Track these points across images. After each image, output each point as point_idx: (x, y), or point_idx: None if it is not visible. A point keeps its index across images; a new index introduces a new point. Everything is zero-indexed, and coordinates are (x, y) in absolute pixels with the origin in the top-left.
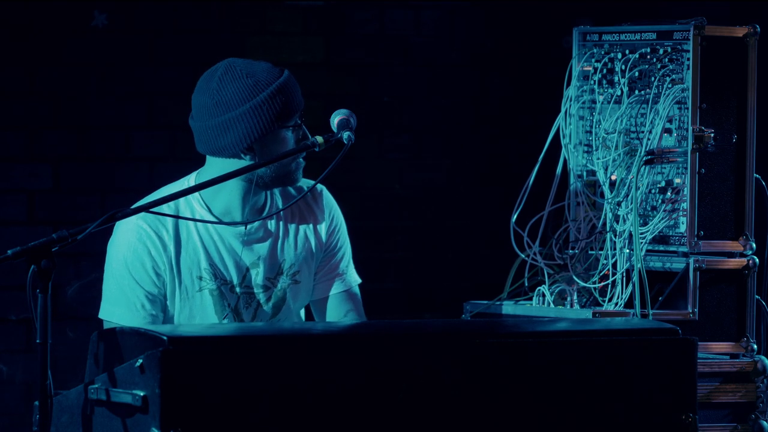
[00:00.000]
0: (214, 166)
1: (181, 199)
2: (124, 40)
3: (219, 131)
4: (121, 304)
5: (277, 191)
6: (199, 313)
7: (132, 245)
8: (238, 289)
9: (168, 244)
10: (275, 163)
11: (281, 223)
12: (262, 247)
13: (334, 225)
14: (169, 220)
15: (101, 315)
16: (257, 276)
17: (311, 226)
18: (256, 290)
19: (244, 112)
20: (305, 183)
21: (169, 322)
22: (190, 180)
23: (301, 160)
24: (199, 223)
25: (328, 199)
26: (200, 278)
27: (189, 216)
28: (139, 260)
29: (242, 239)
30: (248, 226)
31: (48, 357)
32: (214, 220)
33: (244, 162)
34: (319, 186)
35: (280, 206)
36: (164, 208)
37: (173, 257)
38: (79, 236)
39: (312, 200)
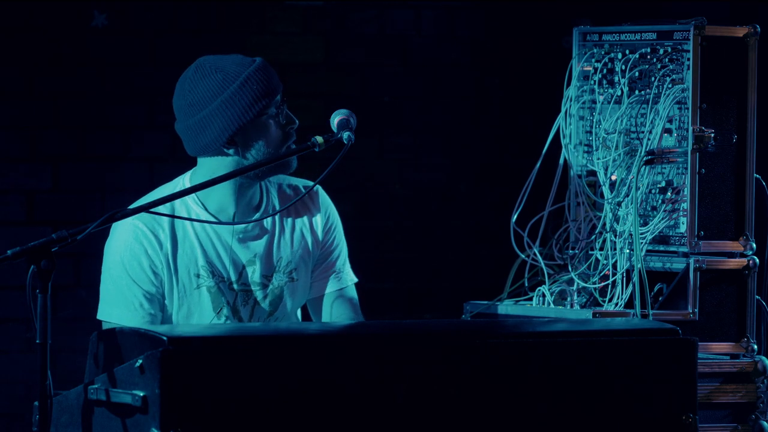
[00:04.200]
0: (205, 164)
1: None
2: (124, 40)
3: (197, 130)
4: (119, 305)
5: (273, 189)
6: (197, 311)
7: (129, 245)
8: (235, 287)
9: (164, 242)
10: (267, 153)
11: (277, 221)
12: (258, 245)
13: (330, 223)
14: (166, 219)
15: (99, 316)
16: (254, 273)
17: (307, 224)
18: (253, 287)
19: (216, 108)
20: (302, 183)
21: (167, 321)
22: (185, 179)
23: (292, 145)
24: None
25: (324, 198)
26: (198, 276)
27: (185, 214)
28: (136, 259)
29: (238, 237)
30: (243, 224)
31: (48, 357)
32: (209, 217)
33: (228, 158)
34: (315, 186)
35: (276, 203)
36: (161, 208)
37: (170, 255)
38: (78, 236)
39: (308, 199)
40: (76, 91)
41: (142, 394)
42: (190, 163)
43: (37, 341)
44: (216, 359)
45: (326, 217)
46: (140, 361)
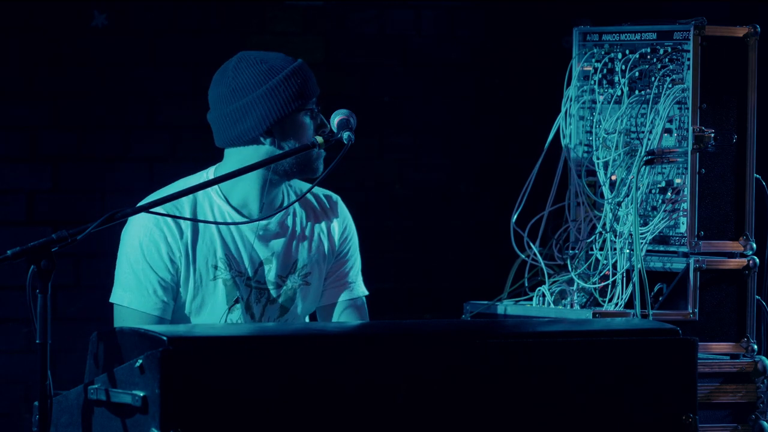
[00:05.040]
0: (233, 158)
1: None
2: (124, 40)
3: (237, 116)
4: (133, 289)
5: (293, 192)
6: (210, 302)
7: (149, 230)
8: (252, 283)
9: (185, 231)
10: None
11: (298, 223)
12: (277, 244)
13: (347, 233)
14: (187, 208)
15: (112, 299)
16: (269, 272)
17: (325, 230)
18: (268, 286)
19: (260, 95)
20: (321, 191)
21: (179, 311)
22: (209, 173)
23: (322, 150)
24: (216, 212)
25: (343, 209)
26: (215, 267)
27: (207, 206)
28: (154, 245)
29: (258, 234)
30: (265, 222)
31: (48, 357)
32: (230, 209)
33: (263, 148)
34: (335, 196)
35: (296, 207)
36: (183, 198)
37: (189, 244)
38: (78, 236)
39: (328, 207)
40: (76, 91)
41: (142, 394)
42: (189, 163)
43: (37, 341)
44: (216, 359)
45: (344, 227)
46: (140, 361)
